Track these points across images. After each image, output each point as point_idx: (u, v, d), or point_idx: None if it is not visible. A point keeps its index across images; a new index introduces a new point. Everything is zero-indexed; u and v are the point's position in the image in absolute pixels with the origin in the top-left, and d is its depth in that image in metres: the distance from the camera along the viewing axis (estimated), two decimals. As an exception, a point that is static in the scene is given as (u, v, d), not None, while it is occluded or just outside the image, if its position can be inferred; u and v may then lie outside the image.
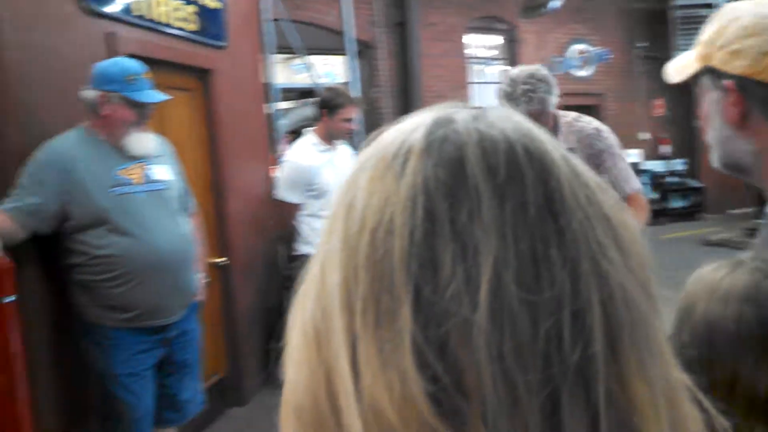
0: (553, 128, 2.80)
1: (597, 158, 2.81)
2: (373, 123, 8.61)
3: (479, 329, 0.39)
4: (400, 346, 0.39)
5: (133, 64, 2.63)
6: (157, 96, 2.64)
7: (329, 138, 3.91)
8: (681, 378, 0.46)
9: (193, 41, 3.89)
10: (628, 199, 2.82)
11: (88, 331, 2.62)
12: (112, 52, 2.98)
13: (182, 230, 2.76)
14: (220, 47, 4.17)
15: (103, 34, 3.09)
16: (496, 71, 11.26)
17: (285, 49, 6.52)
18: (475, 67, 11.06)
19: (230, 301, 4.18)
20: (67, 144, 2.54)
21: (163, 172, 2.75)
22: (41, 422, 2.44)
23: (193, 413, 2.98)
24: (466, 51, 10.70)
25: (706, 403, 0.47)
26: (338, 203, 0.46)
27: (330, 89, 4.07)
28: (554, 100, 2.71)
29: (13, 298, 2.16)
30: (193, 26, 3.87)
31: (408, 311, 0.40)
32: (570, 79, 11.40)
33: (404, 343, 0.39)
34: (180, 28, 3.75)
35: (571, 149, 2.46)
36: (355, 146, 4.44)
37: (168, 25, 3.64)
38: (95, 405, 2.75)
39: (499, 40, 11.32)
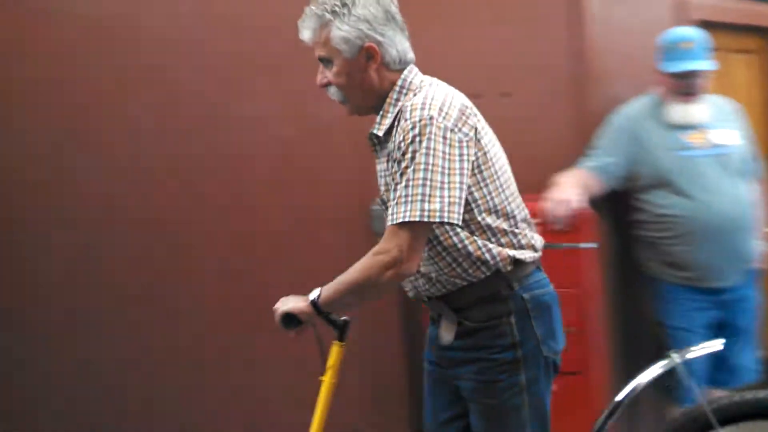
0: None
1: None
2: None
3: None
4: None
5: (677, 33, 2.71)
6: (684, 65, 2.62)
7: None
8: None
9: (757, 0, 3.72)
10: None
11: (647, 283, 2.82)
12: (681, 20, 3.07)
13: (742, 195, 2.73)
14: (784, 3, 3.90)
15: (673, 2, 3.19)
16: None
17: None
18: None
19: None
20: (637, 110, 2.77)
21: (728, 135, 2.75)
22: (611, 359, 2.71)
23: (746, 380, 2.93)
24: None
25: None
26: None
27: None
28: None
29: (595, 244, 2.44)
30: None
31: None
32: None
33: None
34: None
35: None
36: None
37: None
38: (649, 351, 2.92)
39: None
